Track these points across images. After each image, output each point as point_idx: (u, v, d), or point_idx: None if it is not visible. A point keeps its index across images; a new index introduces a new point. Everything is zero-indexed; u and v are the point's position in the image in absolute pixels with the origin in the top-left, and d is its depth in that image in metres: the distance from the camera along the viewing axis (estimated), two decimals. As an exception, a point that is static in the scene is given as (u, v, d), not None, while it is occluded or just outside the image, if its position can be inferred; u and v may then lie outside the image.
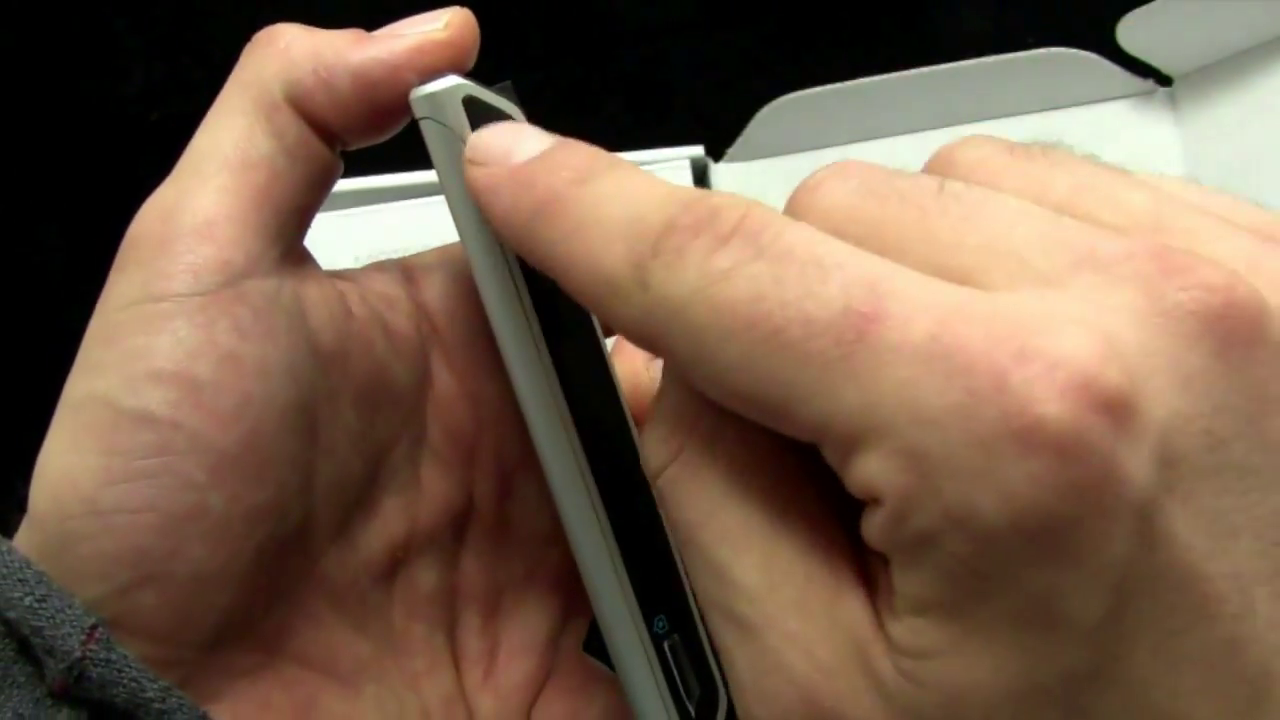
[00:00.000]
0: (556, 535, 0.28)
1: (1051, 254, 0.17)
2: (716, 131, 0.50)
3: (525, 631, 0.29)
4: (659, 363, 0.26)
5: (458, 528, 0.28)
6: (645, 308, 0.19)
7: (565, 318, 0.25)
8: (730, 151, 0.50)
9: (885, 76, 0.48)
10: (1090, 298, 0.17)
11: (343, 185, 0.47)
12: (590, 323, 0.25)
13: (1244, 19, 0.45)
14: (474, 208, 0.23)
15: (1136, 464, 0.16)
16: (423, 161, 0.25)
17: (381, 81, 0.24)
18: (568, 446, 0.25)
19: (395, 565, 0.27)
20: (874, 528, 0.17)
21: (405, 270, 0.28)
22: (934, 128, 0.50)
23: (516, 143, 0.23)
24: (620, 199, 0.20)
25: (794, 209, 0.20)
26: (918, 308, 0.17)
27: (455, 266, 0.28)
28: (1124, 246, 0.17)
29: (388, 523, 0.27)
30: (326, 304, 0.25)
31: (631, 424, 0.26)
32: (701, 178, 0.49)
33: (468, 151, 0.23)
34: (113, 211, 0.25)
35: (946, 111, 0.49)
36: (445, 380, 0.27)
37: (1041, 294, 0.17)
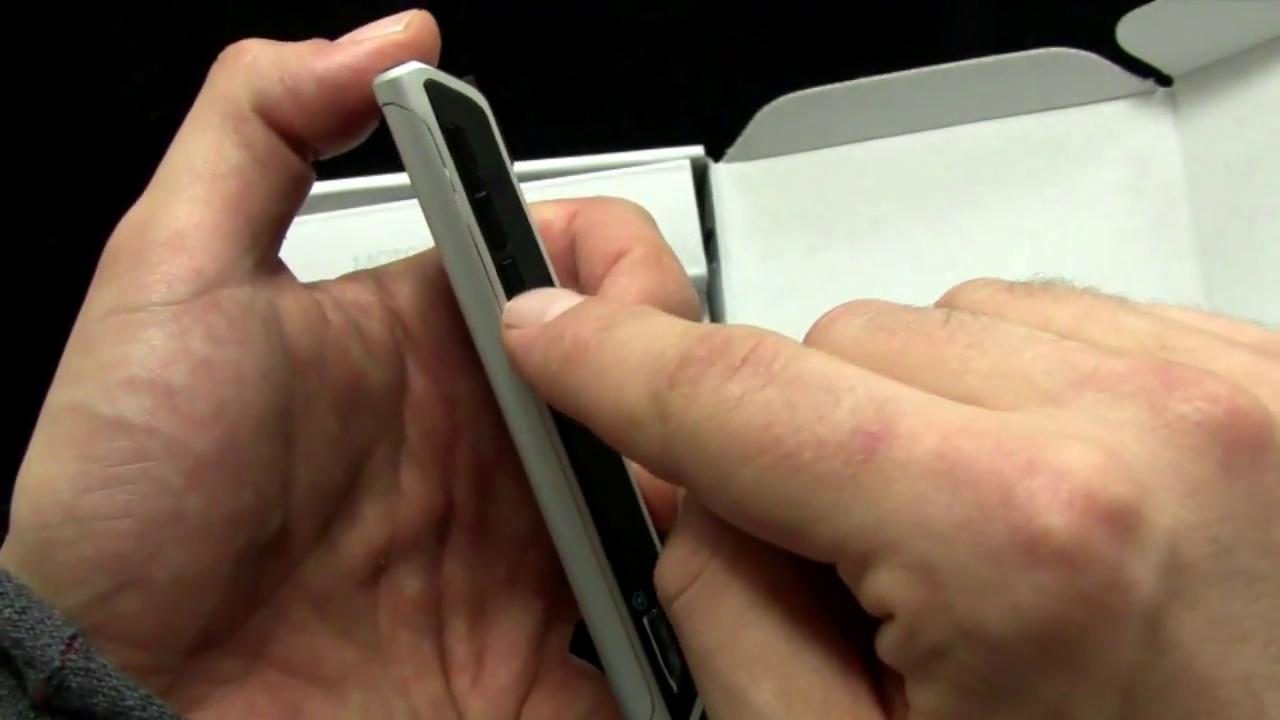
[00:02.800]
0: (537, 536, 0.28)
1: (1055, 373, 0.18)
2: (716, 131, 0.50)
3: (511, 635, 0.29)
4: None
5: (439, 531, 0.29)
6: (664, 438, 0.20)
7: None
8: (730, 151, 0.50)
9: (885, 76, 0.48)
10: (1095, 413, 0.17)
11: (341, 185, 0.47)
12: None
13: (1244, 19, 0.45)
14: (441, 197, 0.24)
15: (1143, 572, 0.16)
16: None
17: (346, 85, 0.25)
18: (541, 426, 0.25)
19: (378, 571, 0.28)
20: (887, 643, 0.18)
21: (377, 278, 0.28)
22: (934, 128, 0.50)
23: (549, 303, 0.24)
24: (641, 339, 0.21)
25: (809, 344, 0.20)
26: (924, 425, 0.17)
27: (426, 272, 0.28)
28: (1127, 364, 0.18)
29: (369, 528, 0.27)
30: (302, 311, 0.26)
31: None
32: (701, 178, 0.49)
33: (505, 317, 0.24)
34: (113, 211, 0.25)
35: (946, 111, 0.49)
36: (420, 383, 0.28)
37: (1047, 412, 0.17)
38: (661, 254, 0.28)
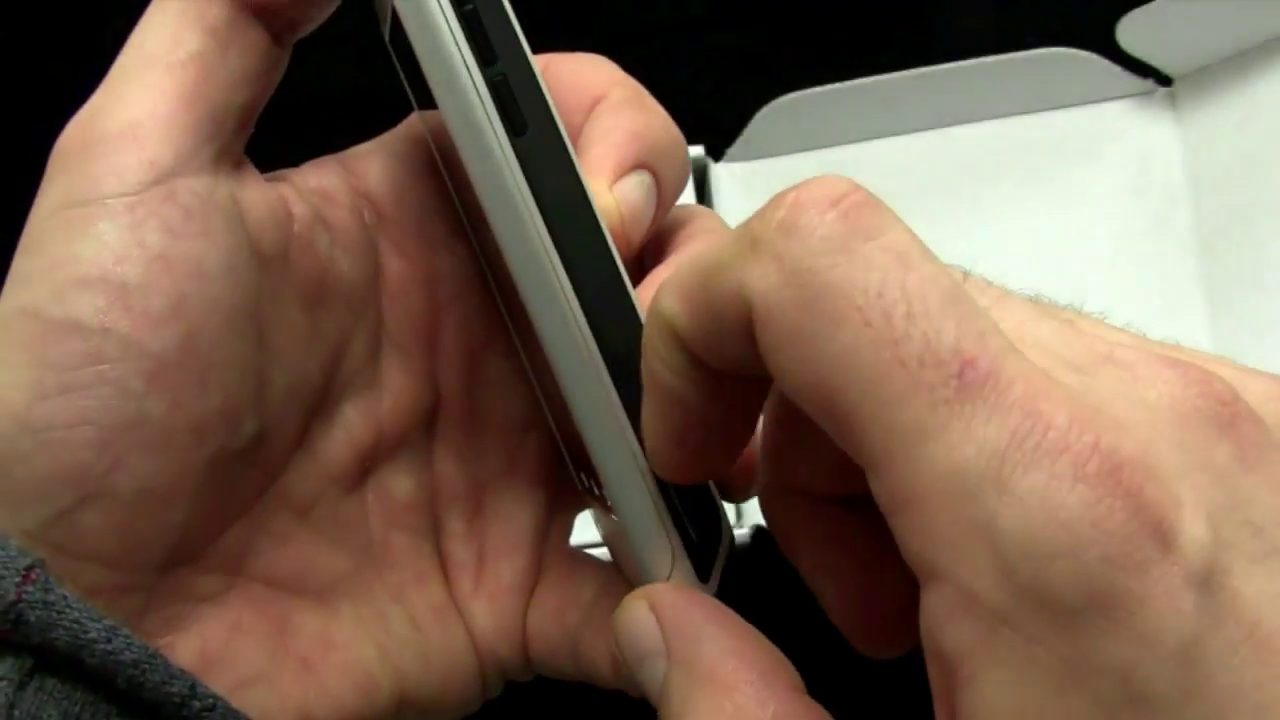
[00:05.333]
0: (534, 420, 0.27)
1: (1074, 346, 0.18)
2: (716, 131, 0.50)
3: (511, 531, 0.28)
4: (626, 183, 0.25)
5: (427, 425, 0.27)
6: (747, 270, 0.18)
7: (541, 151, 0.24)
8: (730, 151, 0.50)
9: (885, 76, 0.48)
10: (1120, 390, 0.18)
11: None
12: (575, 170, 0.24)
13: (1244, 19, 0.45)
14: (455, 78, 0.23)
15: (1192, 546, 0.16)
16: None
17: None
18: (550, 270, 0.23)
19: (365, 473, 0.27)
20: (942, 611, 0.17)
21: (342, 162, 0.27)
22: (934, 128, 0.50)
23: None
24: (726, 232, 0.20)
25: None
26: (1014, 372, 0.17)
27: (395, 148, 0.27)
28: (1139, 351, 0.18)
29: (352, 429, 0.26)
30: (266, 204, 0.24)
31: (615, 251, 0.24)
32: (701, 178, 0.49)
33: None
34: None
35: (946, 111, 0.49)
36: (396, 266, 0.27)
37: (1083, 382, 0.17)
38: (642, 95, 0.26)
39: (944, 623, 0.17)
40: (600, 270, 0.24)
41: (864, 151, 0.50)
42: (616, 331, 0.24)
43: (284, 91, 0.26)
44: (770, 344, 0.18)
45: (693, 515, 0.24)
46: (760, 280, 0.18)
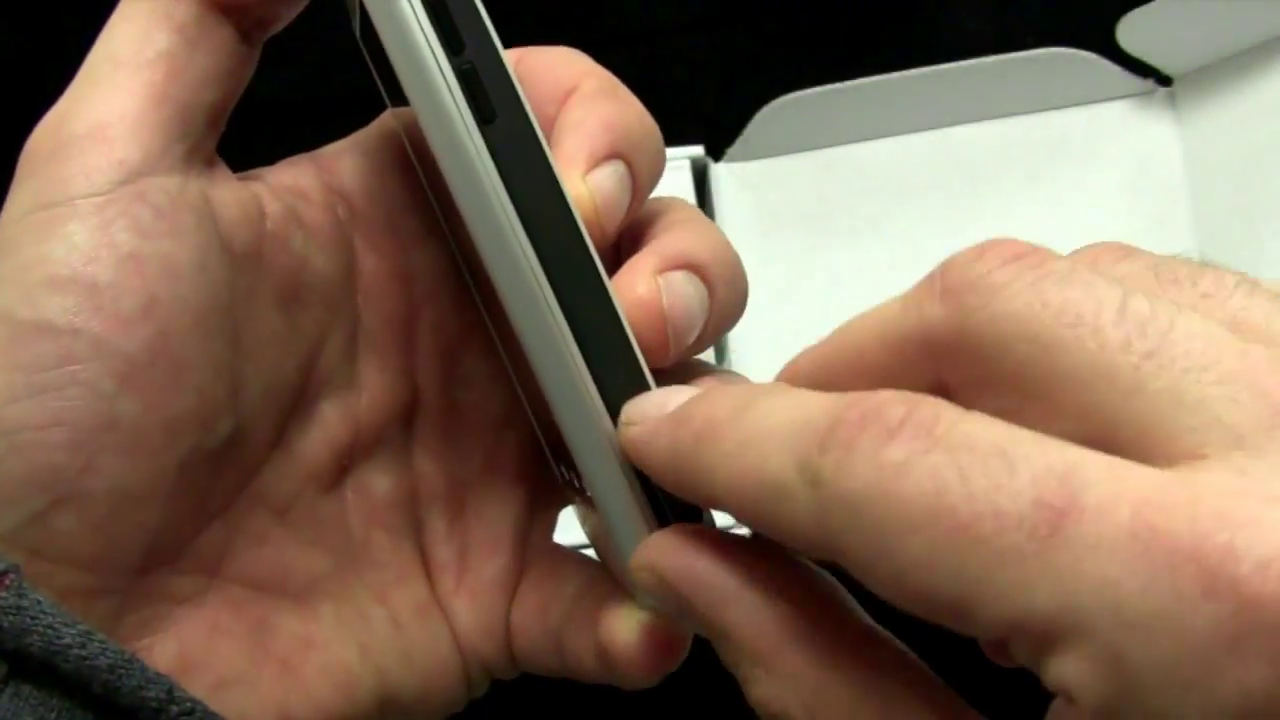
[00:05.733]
0: (513, 418, 0.27)
1: (1244, 404, 0.16)
2: (716, 131, 0.50)
3: (493, 528, 0.28)
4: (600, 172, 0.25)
5: (405, 423, 0.27)
6: (818, 507, 0.18)
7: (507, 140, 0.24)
8: (730, 151, 0.50)
9: (885, 76, 0.48)
10: None
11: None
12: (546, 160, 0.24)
13: (1244, 19, 0.45)
14: (423, 69, 0.23)
15: None
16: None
17: None
18: (524, 265, 0.23)
19: (344, 472, 0.27)
20: None
21: (315, 160, 0.27)
22: (934, 128, 0.50)
23: (670, 397, 0.23)
24: (782, 409, 0.20)
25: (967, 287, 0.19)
26: (1113, 497, 0.16)
27: (368, 145, 0.27)
28: None
29: (329, 427, 0.26)
30: (238, 202, 0.24)
31: (588, 238, 0.24)
32: (701, 178, 0.50)
33: (623, 416, 0.23)
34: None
35: (946, 111, 0.49)
36: (372, 263, 0.26)
37: (1238, 465, 0.16)
38: (615, 86, 0.26)
39: None
40: (573, 257, 0.24)
41: (864, 151, 0.50)
42: (590, 318, 0.24)
43: (282, 94, 0.26)
44: (853, 566, 0.18)
45: (671, 501, 0.24)
46: (811, 510, 0.18)
